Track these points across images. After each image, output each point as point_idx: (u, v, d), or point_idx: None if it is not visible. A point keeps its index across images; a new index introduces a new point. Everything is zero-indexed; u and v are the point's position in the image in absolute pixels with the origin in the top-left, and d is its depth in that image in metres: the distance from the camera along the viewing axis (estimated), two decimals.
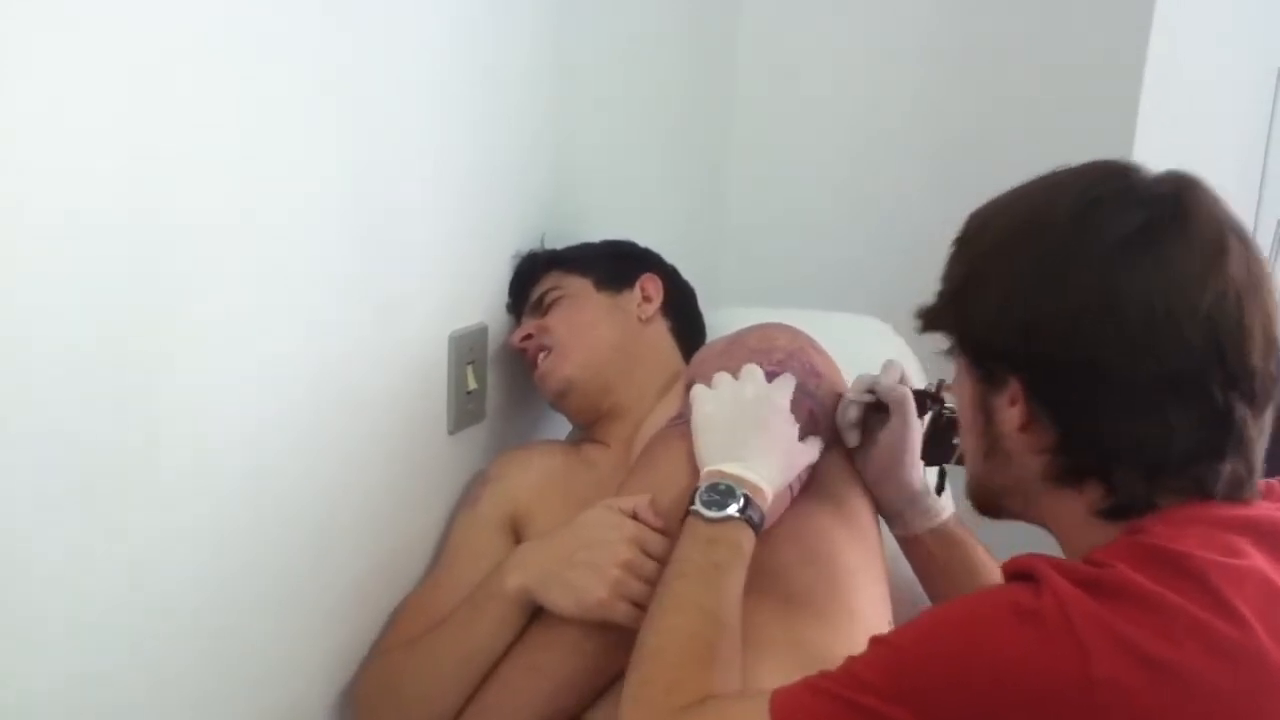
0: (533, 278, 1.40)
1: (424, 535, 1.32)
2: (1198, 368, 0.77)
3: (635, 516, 1.04)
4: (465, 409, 1.34)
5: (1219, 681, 0.70)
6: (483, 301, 1.37)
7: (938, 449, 1.14)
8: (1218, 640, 0.71)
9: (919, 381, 1.24)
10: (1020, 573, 0.78)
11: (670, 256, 1.49)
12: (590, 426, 1.37)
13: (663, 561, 1.01)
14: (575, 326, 1.34)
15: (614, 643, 1.02)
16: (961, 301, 0.88)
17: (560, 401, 1.35)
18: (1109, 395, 0.79)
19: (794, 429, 1.07)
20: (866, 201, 1.74)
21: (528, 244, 1.44)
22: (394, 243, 1.18)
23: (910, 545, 1.20)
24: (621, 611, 1.01)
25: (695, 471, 1.05)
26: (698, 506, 0.99)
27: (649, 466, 1.11)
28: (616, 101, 1.63)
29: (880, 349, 1.43)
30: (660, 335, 1.39)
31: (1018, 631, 0.73)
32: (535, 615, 1.08)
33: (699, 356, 1.20)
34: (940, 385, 1.14)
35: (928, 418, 1.15)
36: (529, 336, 1.35)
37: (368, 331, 1.16)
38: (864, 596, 1.07)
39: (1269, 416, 0.80)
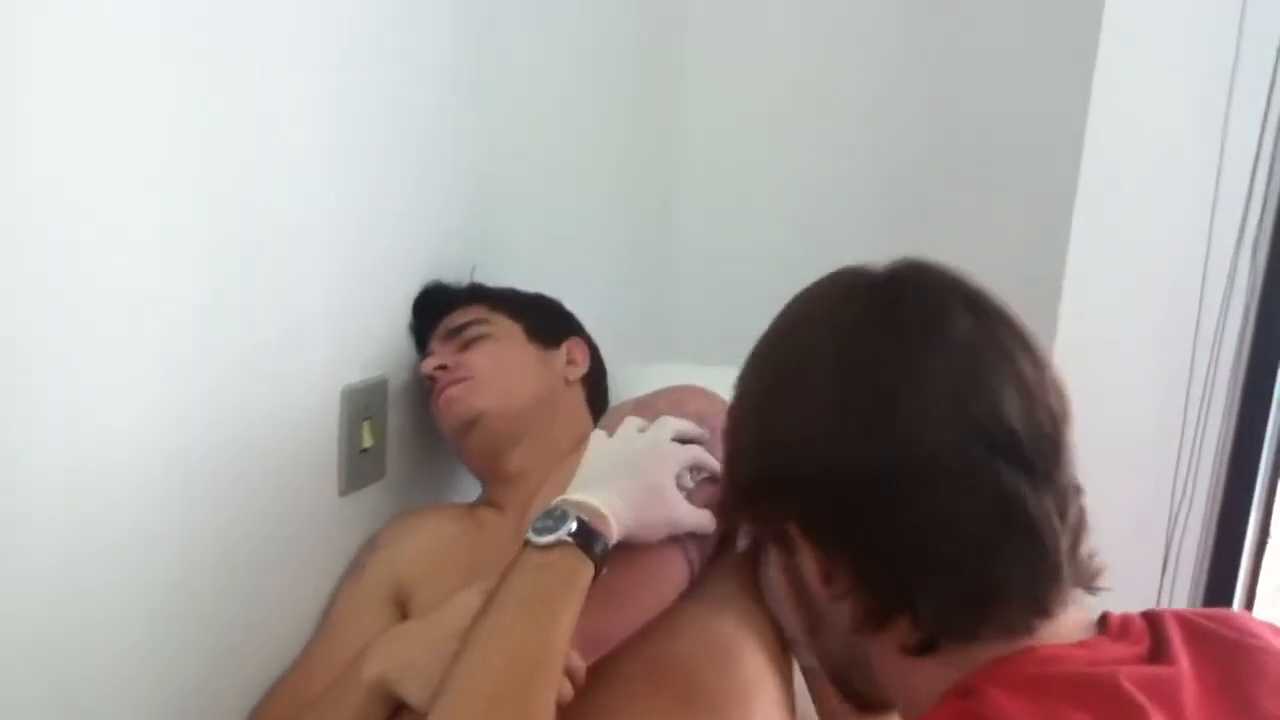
0: (451, 304, 1.31)
1: (311, 605, 1.21)
2: (950, 437, 0.69)
3: None
4: (359, 468, 1.24)
5: None
6: (383, 352, 1.27)
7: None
8: None
9: None
10: None
11: (607, 308, 1.41)
12: (487, 483, 1.28)
13: None
14: (501, 365, 1.25)
15: None
16: (730, 473, 0.83)
17: (463, 435, 1.23)
18: (873, 498, 0.71)
19: (672, 484, 0.96)
20: (815, 259, 1.66)
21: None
22: (276, 283, 1.09)
23: (809, 677, 1.08)
24: None
25: None
26: (529, 533, 0.89)
27: None
28: (548, 142, 1.55)
29: None
30: (578, 401, 1.30)
31: None
32: (401, 708, 0.98)
33: (606, 420, 1.12)
34: None
35: None
36: (444, 367, 1.24)
37: (242, 381, 1.07)
38: (766, 713, 0.98)
39: (1065, 493, 0.72)
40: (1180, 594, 1.60)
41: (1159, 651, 0.72)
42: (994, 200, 1.50)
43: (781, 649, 1.03)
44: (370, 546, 1.23)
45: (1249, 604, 1.67)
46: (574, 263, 1.56)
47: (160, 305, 0.97)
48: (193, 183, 0.98)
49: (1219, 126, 1.34)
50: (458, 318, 1.29)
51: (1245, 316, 1.51)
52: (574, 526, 0.87)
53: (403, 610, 1.17)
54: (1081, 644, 0.71)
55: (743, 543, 1.03)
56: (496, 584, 0.87)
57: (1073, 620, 0.73)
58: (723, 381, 1.25)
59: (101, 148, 0.89)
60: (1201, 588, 1.73)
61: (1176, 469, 1.58)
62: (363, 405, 1.23)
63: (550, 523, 0.88)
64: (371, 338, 1.25)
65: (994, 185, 1.49)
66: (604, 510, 0.90)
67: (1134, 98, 1.35)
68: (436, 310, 1.31)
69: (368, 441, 1.24)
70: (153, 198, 0.94)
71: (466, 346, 1.26)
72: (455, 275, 1.35)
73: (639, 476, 0.94)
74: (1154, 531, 1.61)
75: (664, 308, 1.78)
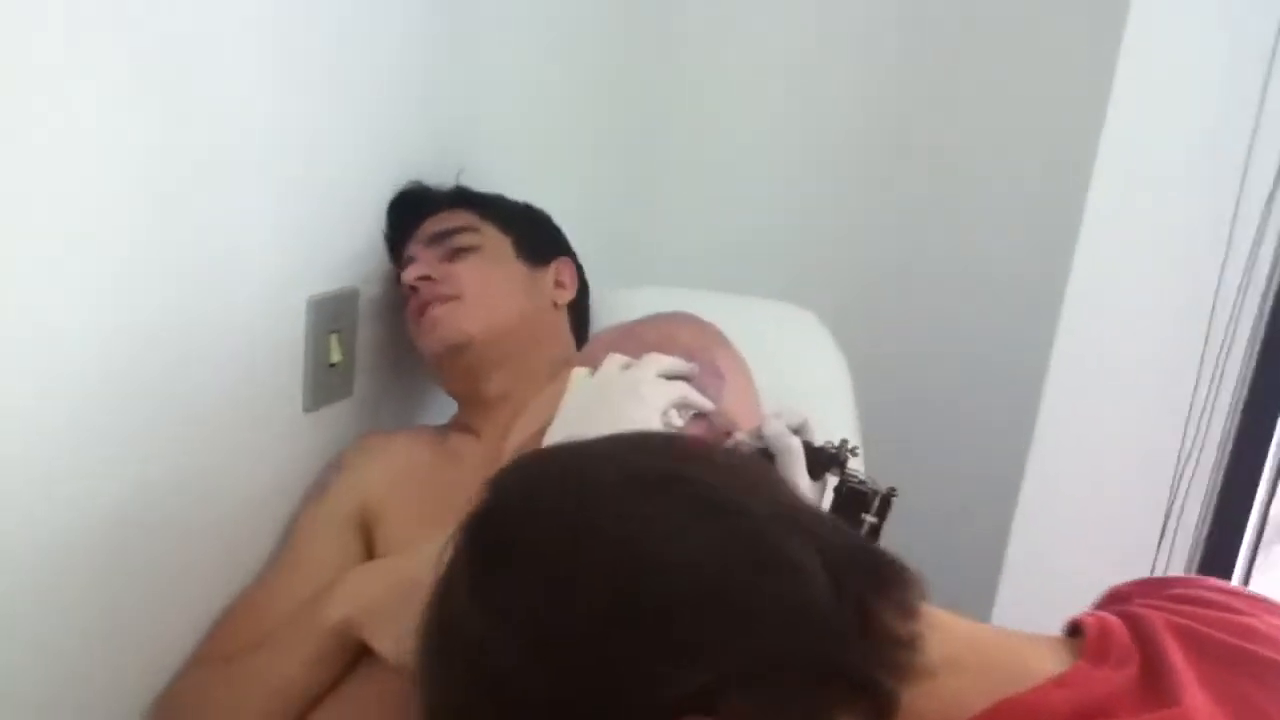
0: (434, 207, 1.21)
1: (273, 523, 1.15)
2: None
3: None
4: (327, 383, 1.17)
5: None
6: (354, 262, 1.19)
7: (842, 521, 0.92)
8: None
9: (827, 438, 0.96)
10: None
11: (588, 228, 1.33)
12: (464, 406, 1.21)
13: None
14: (491, 284, 1.17)
15: None
16: None
17: (448, 359, 1.15)
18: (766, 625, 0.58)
19: (658, 426, 0.88)
20: (801, 187, 1.57)
21: None
22: (236, 189, 1.01)
23: None
24: None
25: None
26: None
27: None
28: (533, 52, 1.44)
29: (802, 340, 1.28)
30: (563, 326, 1.23)
31: None
32: (364, 651, 0.93)
33: (588, 349, 1.05)
34: (844, 445, 0.94)
35: (830, 482, 0.93)
36: (428, 278, 1.15)
37: (202, 290, 1.00)
38: None
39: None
40: (1180, 550, 1.54)
41: (1156, 678, 0.59)
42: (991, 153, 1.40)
43: None
44: (335, 467, 1.17)
45: (1251, 561, 1.62)
46: (553, 179, 1.46)
47: (111, 214, 0.89)
48: (142, 84, 0.89)
49: (1255, 102, 1.23)
50: (443, 221, 1.19)
51: (1271, 276, 1.42)
52: None
53: (367, 535, 1.11)
54: (1060, 681, 0.59)
55: None
56: None
57: (1041, 648, 0.63)
58: (711, 308, 1.18)
59: (44, 58, 0.81)
60: (1202, 540, 1.68)
61: (1189, 416, 1.51)
62: (330, 318, 1.16)
63: None
64: (342, 247, 1.18)
65: (994, 139, 1.39)
66: None
67: (1159, 76, 1.25)
68: (417, 212, 1.21)
69: (335, 356, 1.17)
70: (99, 102, 0.86)
71: (453, 256, 1.17)
72: (432, 182, 1.26)
73: (620, 423, 0.86)
74: (1160, 477, 1.54)
75: (645, 230, 1.69)
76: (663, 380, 0.92)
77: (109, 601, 0.98)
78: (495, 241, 1.20)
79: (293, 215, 1.09)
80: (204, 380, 1.02)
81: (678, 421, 0.91)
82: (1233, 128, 1.30)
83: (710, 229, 1.62)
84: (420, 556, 0.87)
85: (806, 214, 1.53)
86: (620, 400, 0.89)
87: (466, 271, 1.16)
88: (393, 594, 0.89)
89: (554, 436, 0.89)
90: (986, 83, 1.41)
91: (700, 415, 0.93)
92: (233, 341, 1.05)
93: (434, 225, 1.19)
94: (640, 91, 1.61)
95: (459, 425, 1.20)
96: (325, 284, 1.15)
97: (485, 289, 1.15)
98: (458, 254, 1.17)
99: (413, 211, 1.22)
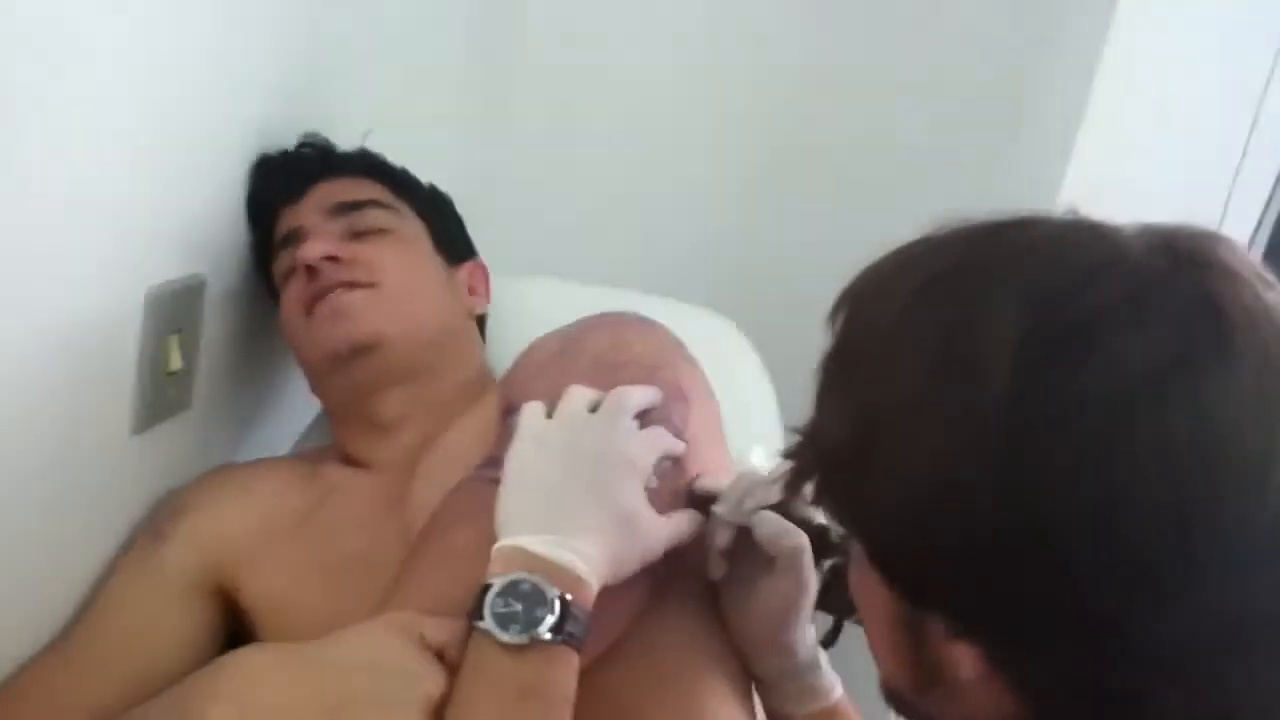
0: (337, 170, 1.00)
1: (85, 579, 0.90)
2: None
3: (443, 656, 0.64)
4: (162, 397, 0.93)
5: None
6: (198, 245, 0.95)
7: (837, 599, 0.78)
8: None
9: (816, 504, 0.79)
10: None
11: None
12: (346, 427, 0.97)
13: None
14: (413, 277, 0.95)
15: None
16: (850, 474, 0.56)
17: (347, 362, 0.91)
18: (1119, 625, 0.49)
19: (645, 503, 0.71)
20: (694, 174, 1.46)
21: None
22: (42, 155, 0.75)
23: None
24: None
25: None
26: (488, 624, 0.62)
27: (453, 550, 0.73)
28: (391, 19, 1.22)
29: (722, 356, 1.14)
30: (477, 341, 1.03)
31: None
32: None
33: (522, 365, 0.85)
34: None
35: (826, 565, 0.78)
36: (334, 259, 0.91)
37: (12, 288, 0.74)
38: None
39: None
40: None
41: None
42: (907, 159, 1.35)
43: (743, 681, 0.80)
44: (175, 507, 0.92)
45: None
46: (418, 161, 1.26)
47: None
48: None
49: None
50: (348, 189, 0.97)
51: None
52: (557, 617, 0.62)
53: (225, 600, 0.89)
54: None
55: (718, 567, 0.78)
56: (458, 702, 0.62)
57: None
58: (604, 303, 1.01)
59: None
60: None
61: None
62: (170, 315, 0.91)
63: (517, 605, 0.62)
64: (180, 226, 0.92)
65: (911, 139, 1.34)
66: (583, 574, 0.65)
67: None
68: (310, 173, 0.98)
69: (175, 364, 0.93)
70: None
71: (360, 236, 0.95)
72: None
73: (608, 503, 0.69)
74: None
75: (492, 213, 1.53)
76: (640, 431, 0.74)
77: None
78: (411, 226, 0.99)
79: (122, 184, 0.83)
80: (13, 401, 0.77)
81: (654, 482, 0.73)
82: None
83: (581, 221, 1.47)
84: (339, 664, 0.63)
85: (697, 211, 1.41)
86: (602, 471, 0.70)
87: (382, 255, 0.93)
88: (310, 706, 0.61)
89: (511, 500, 0.69)
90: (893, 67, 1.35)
91: (674, 463, 0.76)
92: (42, 348, 0.79)
93: (336, 192, 0.97)
94: (489, 80, 1.45)
95: (336, 454, 0.97)
96: (163, 272, 0.91)
97: (407, 280, 0.94)
98: (368, 235, 0.95)
99: (303, 171, 0.98)
